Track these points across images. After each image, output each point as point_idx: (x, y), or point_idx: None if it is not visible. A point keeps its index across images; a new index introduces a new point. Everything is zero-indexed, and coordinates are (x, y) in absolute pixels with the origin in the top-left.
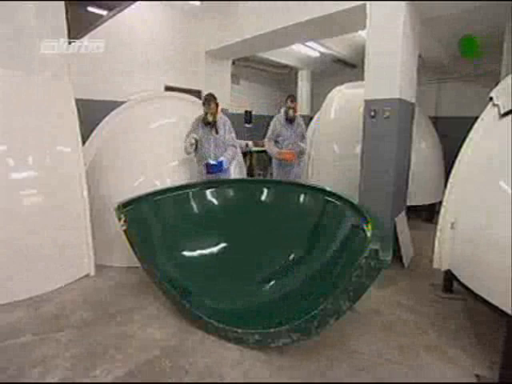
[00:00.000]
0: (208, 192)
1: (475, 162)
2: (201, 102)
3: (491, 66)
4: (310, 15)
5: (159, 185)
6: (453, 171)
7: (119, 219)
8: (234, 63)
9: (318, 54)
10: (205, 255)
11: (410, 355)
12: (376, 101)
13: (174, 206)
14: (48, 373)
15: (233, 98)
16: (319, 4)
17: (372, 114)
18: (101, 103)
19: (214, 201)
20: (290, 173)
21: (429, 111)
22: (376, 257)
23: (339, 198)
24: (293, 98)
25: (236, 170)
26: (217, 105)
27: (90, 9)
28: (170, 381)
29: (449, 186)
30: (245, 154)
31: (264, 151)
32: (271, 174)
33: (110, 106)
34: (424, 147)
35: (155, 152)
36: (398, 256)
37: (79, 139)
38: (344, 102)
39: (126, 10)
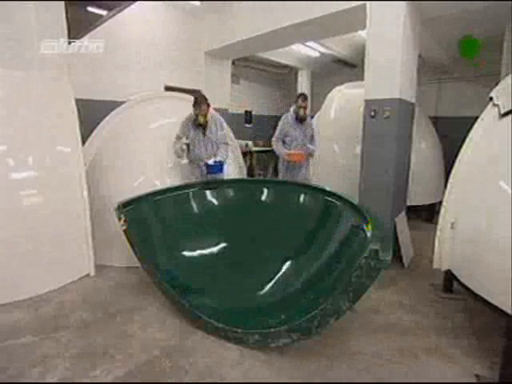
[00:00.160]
0: (208, 192)
1: (475, 161)
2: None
3: (491, 66)
4: (310, 15)
5: (159, 185)
6: (453, 171)
7: (119, 219)
8: (233, 63)
9: (318, 54)
10: (205, 255)
11: (409, 355)
12: (376, 101)
13: (173, 205)
14: (48, 373)
15: (233, 98)
16: (319, 4)
17: (372, 113)
18: (101, 103)
19: (214, 201)
20: (297, 175)
21: (429, 111)
22: (376, 257)
23: (339, 198)
24: (304, 96)
25: (236, 170)
26: (208, 105)
27: (90, 9)
28: (169, 381)
29: (449, 186)
30: (245, 154)
31: (264, 151)
32: (276, 174)
33: (110, 105)
34: (424, 147)
35: (155, 152)
36: (398, 256)
37: (79, 139)
38: (344, 101)
39: (125, 10)
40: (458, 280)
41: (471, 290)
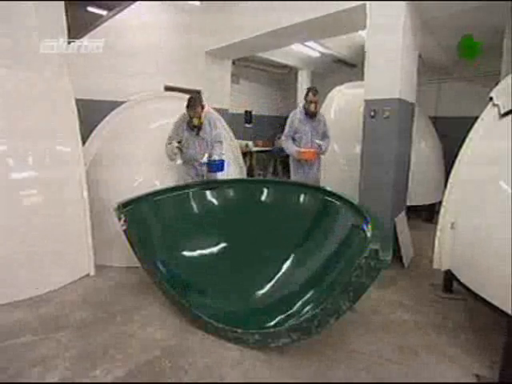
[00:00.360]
0: (208, 192)
1: (475, 161)
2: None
3: (491, 66)
4: (310, 15)
5: (159, 185)
6: (453, 171)
7: (119, 219)
8: (234, 63)
9: (318, 54)
10: (205, 255)
11: (409, 355)
12: (376, 101)
13: (173, 206)
14: (48, 373)
15: (233, 98)
16: (319, 4)
17: (372, 114)
18: (101, 103)
19: (214, 201)
20: (308, 174)
21: (429, 111)
22: (376, 257)
23: (339, 197)
24: (315, 91)
25: (236, 170)
26: (202, 107)
27: (90, 9)
28: (169, 381)
29: (449, 186)
30: (245, 154)
31: (264, 151)
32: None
33: (110, 105)
34: (424, 147)
35: (155, 152)
36: (398, 256)
37: (79, 139)
38: (344, 101)
39: (125, 10)
40: (457, 280)
41: (471, 290)
